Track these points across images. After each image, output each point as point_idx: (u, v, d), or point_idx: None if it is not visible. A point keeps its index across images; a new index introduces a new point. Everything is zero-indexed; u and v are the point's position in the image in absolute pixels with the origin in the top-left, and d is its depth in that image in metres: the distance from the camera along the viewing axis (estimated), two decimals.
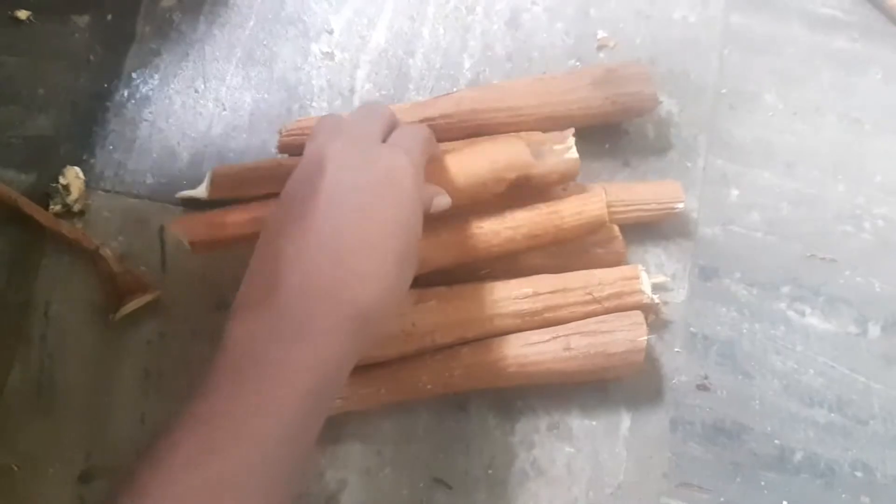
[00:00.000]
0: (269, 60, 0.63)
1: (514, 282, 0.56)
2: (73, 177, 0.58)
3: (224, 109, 0.62)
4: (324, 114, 0.62)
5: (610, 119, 0.62)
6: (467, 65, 0.65)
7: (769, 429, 0.58)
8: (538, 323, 0.56)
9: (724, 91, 0.65)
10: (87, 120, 0.61)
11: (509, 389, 0.57)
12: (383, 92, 0.64)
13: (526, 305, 0.56)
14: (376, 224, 0.42)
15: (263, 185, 0.58)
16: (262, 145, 0.61)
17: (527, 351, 0.55)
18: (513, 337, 0.55)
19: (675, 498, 0.57)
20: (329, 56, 0.64)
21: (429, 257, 0.54)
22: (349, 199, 0.42)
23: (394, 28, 0.65)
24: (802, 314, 0.60)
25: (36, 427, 0.55)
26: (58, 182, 0.58)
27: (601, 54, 0.65)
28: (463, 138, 0.60)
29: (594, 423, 0.58)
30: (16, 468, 0.55)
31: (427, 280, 0.56)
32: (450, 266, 0.56)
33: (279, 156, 0.61)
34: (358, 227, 0.42)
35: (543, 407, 0.58)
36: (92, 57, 0.62)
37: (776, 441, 0.58)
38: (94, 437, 0.55)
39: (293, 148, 0.60)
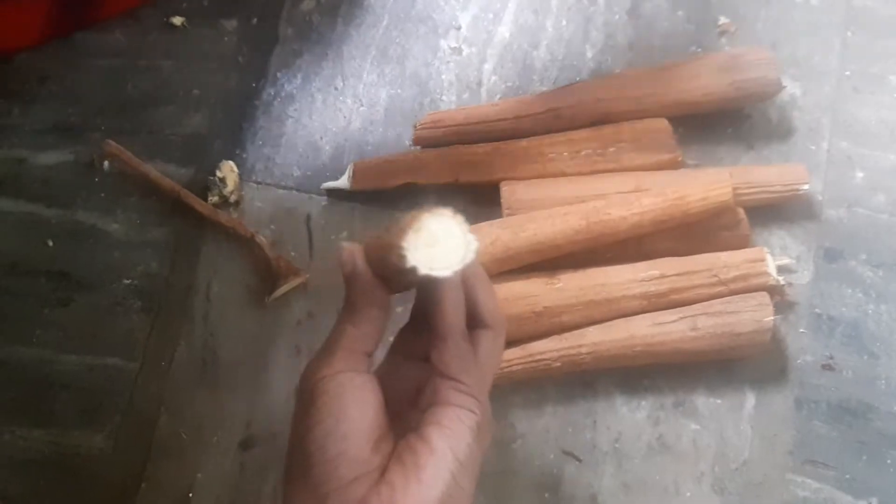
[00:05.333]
0: (401, 57, 0.67)
1: (640, 264, 0.59)
2: (229, 170, 0.63)
3: (361, 105, 0.66)
4: (453, 107, 0.65)
5: (733, 104, 0.63)
6: (590, 55, 0.67)
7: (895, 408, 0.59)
8: (664, 304, 0.58)
9: (847, 73, 0.65)
10: (237, 117, 0.66)
11: (635, 368, 0.59)
12: (508, 84, 0.66)
13: (652, 287, 0.58)
14: None
15: (401, 176, 0.62)
16: (397, 138, 0.65)
17: (654, 331, 0.57)
18: (640, 317, 0.58)
19: (800, 475, 0.58)
20: (457, 51, 0.67)
21: (559, 243, 0.57)
22: None
23: (518, 22, 0.67)
24: None
25: (201, 398, 0.61)
26: (215, 175, 0.63)
27: (722, 40, 0.66)
28: (588, 126, 0.62)
29: (719, 401, 0.60)
30: (184, 436, 0.60)
31: (556, 263, 0.59)
32: (578, 251, 0.58)
33: (413, 148, 0.65)
34: None
35: (669, 385, 0.60)
36: (240, 58, 0.67)
37: None
38: (252, 408, 0.60)
39: (426, 140, 0.63)
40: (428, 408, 0.41)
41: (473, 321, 0.44)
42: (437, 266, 0.37)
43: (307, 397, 0.41)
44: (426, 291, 0.43)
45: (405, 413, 0.43)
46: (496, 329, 0.44)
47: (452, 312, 0.42)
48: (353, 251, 0.42)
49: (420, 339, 0.45)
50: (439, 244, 0.37)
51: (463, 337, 0.42)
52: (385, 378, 0.44)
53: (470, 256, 0.37)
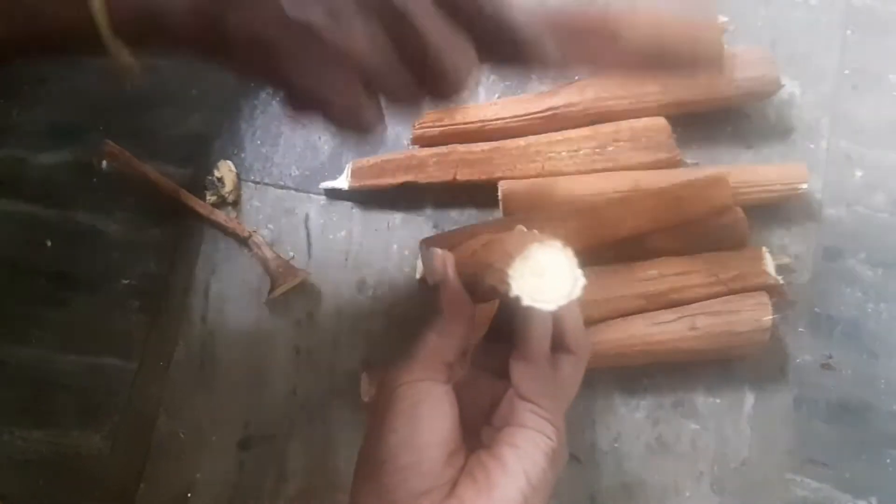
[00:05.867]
0: None
1: (639, 264, 0.58)
2: (227, 170, 0.63)
3: None
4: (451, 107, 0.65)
5: (732, 103, 0.63)
6: None
7: (895, 408, 0.59)
8: (663, 304, 0.58)
9: (846, 72, 0.65)
10: (236, 117, 0.66)
11: (634, 367, 0.59)
12: (507, 83, 0.66)
13: (651, 287, 0.58)
14: None
15: (399, 175, 0.62)
16: (395, 137, 0.65)
17: (653, 330, 0.57)
18: (639, 317, 0.58)
19: (799, 474, 0.58)
20: None
21: None
22: None
23: None
24: None
25: (199, 398, 0.61)
26: (213, 175, 0.63)
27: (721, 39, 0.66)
28: (587, 125, 0.62)
29: (718, 400, 0.60)
30: (182, 435, 0.60)
31: None
32: (578, 251, 0.58)
33: (412, 147, 0.64)
34: None
35: (668, 385, 0.60)
36: None
37: None
38: (251, 408, 0.60)
39: (425, 140, 0.63)
40: (503, 426, 0.41)
41: (557, 345, 0.44)
42: (541, 298, 0.36)
43: (385, 402, 0.41)
44: (514, 311, 0.42)
45: (478, 426, 0.43)
46: (579, 355, 0.44)
47: (540, 337, 0.41)
48: (445, 259, 0.42)
49: (497, 354, 0.44)
50: (546, 276, 0.36)
51: (546, 361, 0.42)
52: (460, 389, 0.44)
53: (577, 293, 0.36)
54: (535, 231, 0.41)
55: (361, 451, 0.42)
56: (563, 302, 0.36)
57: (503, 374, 0.44)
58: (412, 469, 0.39)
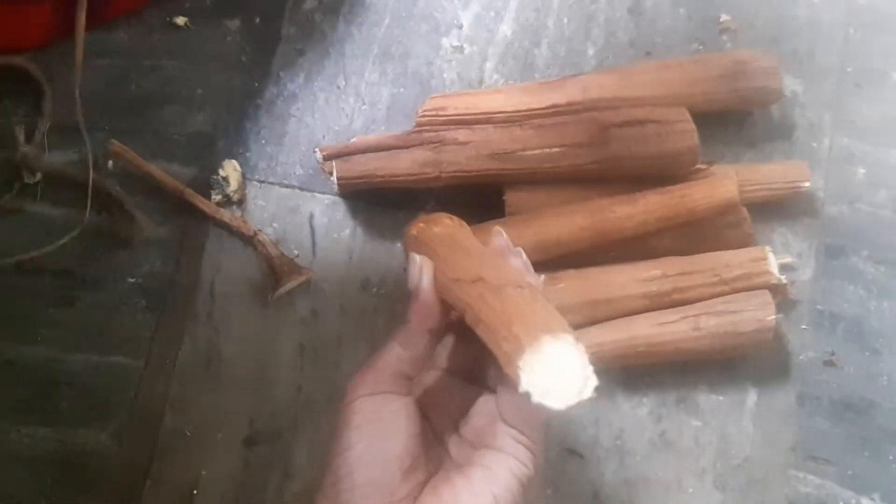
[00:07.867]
0: (403, 56, 0.67)
1: (642, 263, 0.59)
2: (232, 169, 0.64)
3: (364, 104, 0.66)
4: None
5: (732, 109, 0.63)
6: (591, 52, 0.67)
7: None
8: (666, 304, 0.58)
9: (849, 70, 0.65)
10: (240, 117, 0.66)
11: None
12: (510, 82, 0.66)
13: (654, 287, 0.58)
14: None
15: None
16: None
17: (656, 331, 0.57)
18: (642, 317, 0.58)
19: (802, 471, 0.59)
20: (459, 49, 0.67)
21: (564, 241, 0.57)
22: None
23: (520, 20, 0.67)
24: None
25: (205, 396, 0.61)
26: (218, 174, 0.64)
27: (724, 37, 0.66)
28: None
29: (721, 398, 0.60)
30: (189, 433, 0.61)
31: (557, 263, 0.59)
32: (583, 249, 0.58)
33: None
34: None
35: (671, 382, 0.60)
36: (243, 58, 0.67)
37: None
38: (256, 406, 0.61)
39: (427, 126, 0.62)
40: (480, 446, 0.40)
41: None
42: (551, 396, 0.34)
43: (344, 415, 0.41)
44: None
45: (446, 434, 0.43)
46: None
47: None
48: (422, 267, 0.41)
49: (468, 356, 0.44)
50: (556, 372, 0.35)
51: None
52: (428, 394, 0.44)
53: (587, 394, 0.35)
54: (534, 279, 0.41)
55: (326, 466, 0.41)
56: (572, 402, 0.35)
57: (474, 379, 0.43)
58: (369, 486, 0.39)
